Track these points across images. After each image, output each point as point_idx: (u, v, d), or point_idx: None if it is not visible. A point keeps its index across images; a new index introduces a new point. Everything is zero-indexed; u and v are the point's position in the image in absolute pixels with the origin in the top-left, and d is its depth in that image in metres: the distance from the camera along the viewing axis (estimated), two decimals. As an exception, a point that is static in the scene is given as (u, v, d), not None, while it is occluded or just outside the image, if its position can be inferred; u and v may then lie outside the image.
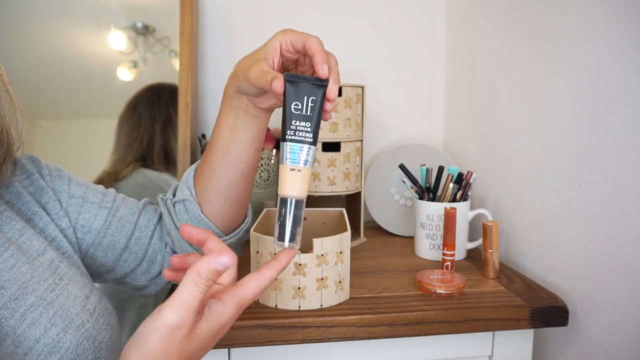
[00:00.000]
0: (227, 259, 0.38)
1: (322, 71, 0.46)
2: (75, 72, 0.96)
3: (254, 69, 0.50)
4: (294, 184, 0.45)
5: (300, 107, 0.45)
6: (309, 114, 0.45)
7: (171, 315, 0.37)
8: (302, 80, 0.46)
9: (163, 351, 0.36)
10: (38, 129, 0.94)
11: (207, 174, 0.61)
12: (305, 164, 0.45)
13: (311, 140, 0.45)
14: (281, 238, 0.45)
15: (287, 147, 0.45)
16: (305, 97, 0.45)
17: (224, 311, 0.40)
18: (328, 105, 0.47)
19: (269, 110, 0.58)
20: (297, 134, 0.45)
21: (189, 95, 0.94)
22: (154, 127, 0.95)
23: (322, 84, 0.46)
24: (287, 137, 0.45)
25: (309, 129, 0.45)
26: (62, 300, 0.48)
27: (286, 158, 0.45)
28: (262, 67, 0.49)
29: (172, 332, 0.37)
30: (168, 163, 0.96)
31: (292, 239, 0.45)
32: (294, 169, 0.45)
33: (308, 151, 0.45)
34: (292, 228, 0.45)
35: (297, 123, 0.45)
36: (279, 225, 0.45)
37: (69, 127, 0.97)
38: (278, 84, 0.45)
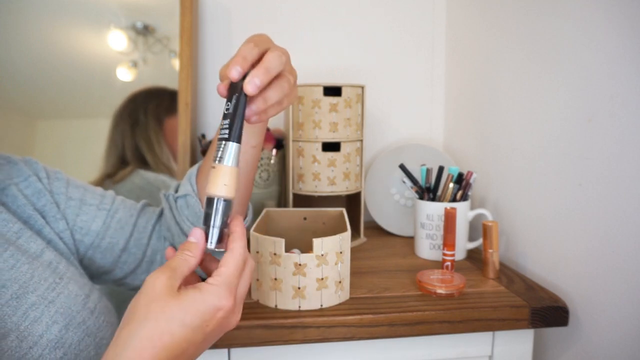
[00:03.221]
0: (197, 232, 0.43)
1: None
2: (75, 72, 0.96)
3: (223, 70, 0.50)
4: (214, 181, 0.44)
5: (228, 106, 0.45)
6: (230, 111, 0.45)
7: (152, 274, 0.39)
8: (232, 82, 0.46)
9: (145, 307, 0.37)
10: (38, 129, 0.94)
11: (208, 171, 0.61)
12: (220, 160, 0.44)
13: (227, 136, 0.44)
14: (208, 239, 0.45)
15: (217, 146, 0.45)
16: (232, 96, 0.45)
17: (210, 289, 0.39)
18: (253, 107, 0.45)
19: None
20: (222, 131, 0.45)
21: (189, 96, 0.94)
22: (124, 130, 0.98)
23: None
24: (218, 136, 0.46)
25: (226, 126, 0.45)
26: (63, 298, 0.48)
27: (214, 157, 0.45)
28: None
29: (151, 286, 0.38)
30: (143, 163, 0.98)
31: (219, 240, 0.44)
32: (213, 166, 0.45)
33: (225, 148, 0.44)
34: (214, 225, 0.44)
35: (223, 122, 0.45)
36: (204, 223, 0.45)
37: (69, 127, 0.97)
38: (221, 88, 0.46)
